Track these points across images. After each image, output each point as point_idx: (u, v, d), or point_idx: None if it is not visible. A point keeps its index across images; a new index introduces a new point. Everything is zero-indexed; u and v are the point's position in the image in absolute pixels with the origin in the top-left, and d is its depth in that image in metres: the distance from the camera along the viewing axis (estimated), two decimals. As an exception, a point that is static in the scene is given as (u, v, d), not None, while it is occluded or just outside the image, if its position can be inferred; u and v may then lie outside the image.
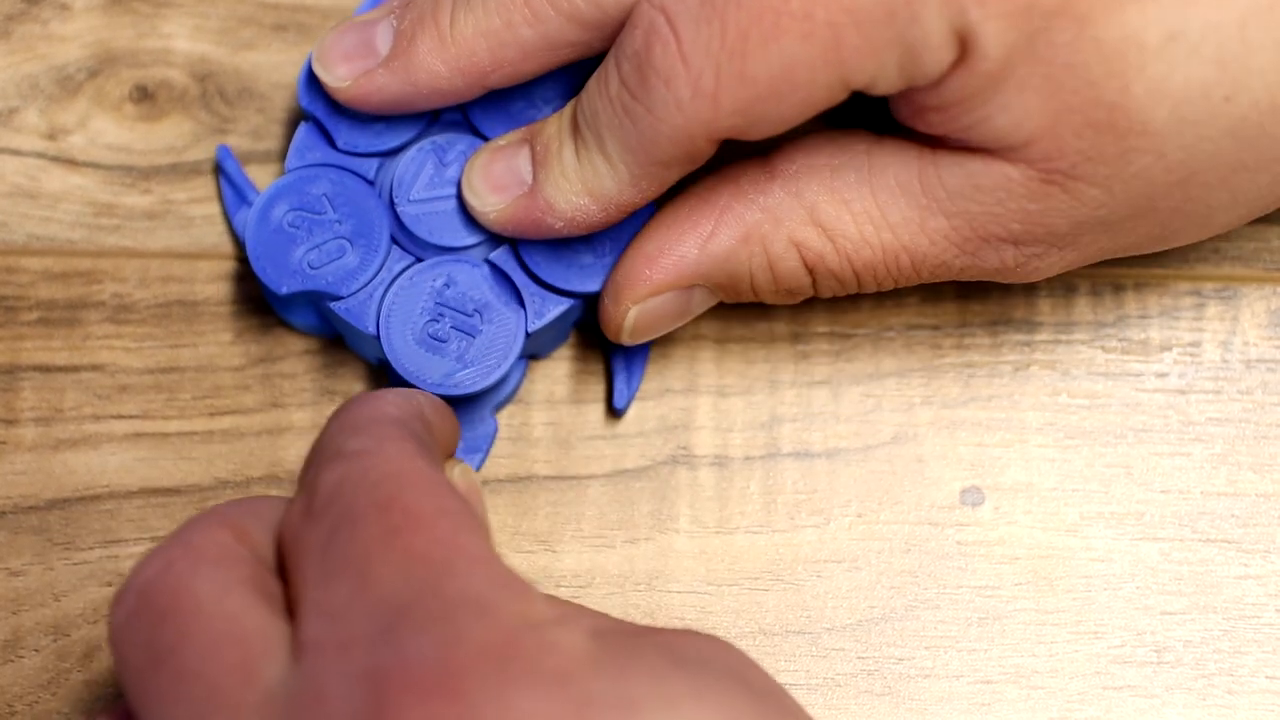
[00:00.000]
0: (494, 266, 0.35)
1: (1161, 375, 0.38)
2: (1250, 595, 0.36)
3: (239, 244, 0.38)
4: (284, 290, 0.35)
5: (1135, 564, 0.37)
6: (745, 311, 0.38)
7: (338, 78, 0.35)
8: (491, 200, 0.34)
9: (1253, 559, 0.37)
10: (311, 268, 0.35)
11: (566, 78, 0.36)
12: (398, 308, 0.35)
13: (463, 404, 0.36)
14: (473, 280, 0.35)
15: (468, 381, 0.35)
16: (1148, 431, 0.37)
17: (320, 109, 0.36)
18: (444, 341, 0.35)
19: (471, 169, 0.35)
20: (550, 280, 0.35)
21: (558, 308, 0.35)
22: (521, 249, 0.35)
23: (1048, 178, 0.31)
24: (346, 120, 0.36)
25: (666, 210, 0.34)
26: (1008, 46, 0.30)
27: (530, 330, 0.35)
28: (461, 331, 0.35)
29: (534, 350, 0.37)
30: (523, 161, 0.34)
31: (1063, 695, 0.36)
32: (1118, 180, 0.31)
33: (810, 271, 0.34)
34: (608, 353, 0.37)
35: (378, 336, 0.35)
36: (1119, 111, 0.30)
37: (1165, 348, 0.38)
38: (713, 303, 0.35)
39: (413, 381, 0.35)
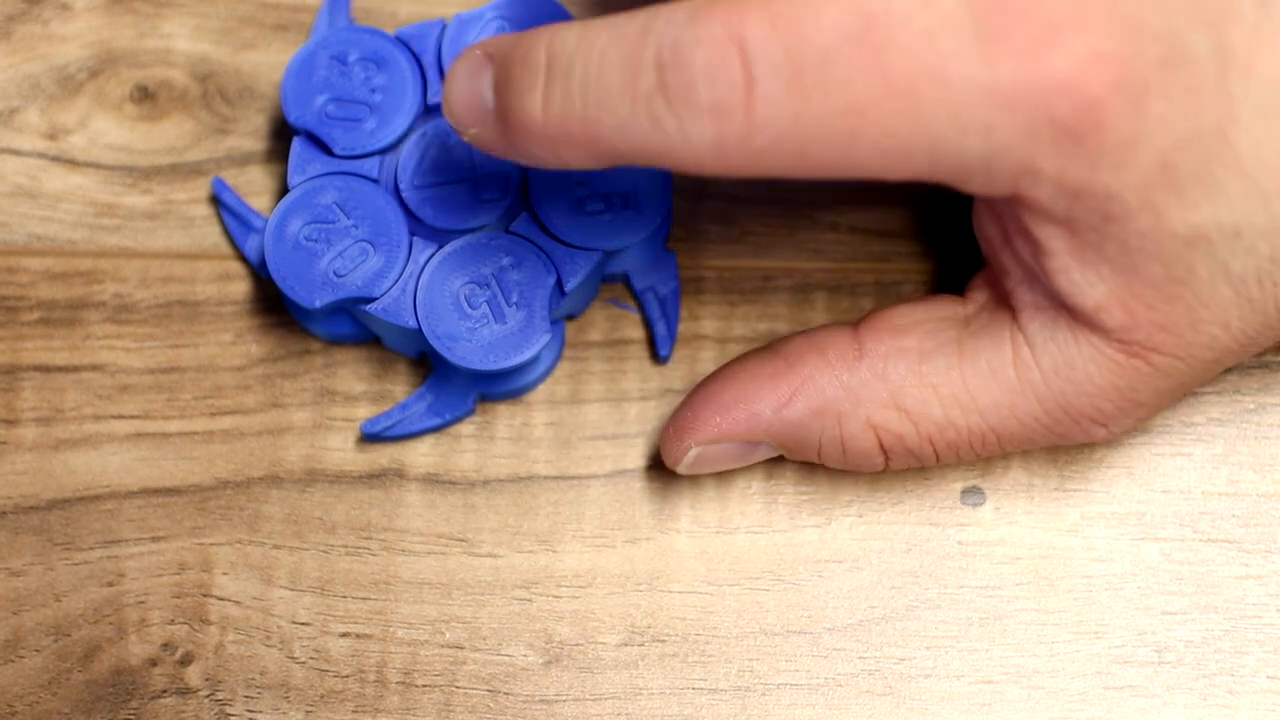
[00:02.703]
0: (517, 236, 0.36)
1: (1162, 375, 0.38)
2: (1251, 595, 0.36)
3: (245, 260, 0.38)
4: (318, 304, 0.35)
5: (1136, 564, 0.37)
6: (746, 311, 0.38)
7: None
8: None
9: (1254, 559, 0.37)
10: (338, 276, 0.35)
11: None
12: (431, 296, 0.35)
13: (510, 373, 0.36)
14: (495, 254, 0.35)
15: (516, 352, 0.35)
16: (1149, 431, 0.37)
17: (310, 120, 0.36)
18: (484, 317, 0.35)
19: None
20: (575, 241, 0.35)
21: (588, 263, 0.35)
22: (540, 215, 0.35)
23: (1128, 349, 0.31)
24: (339, 126, 0.36)
25: (750, 360, 0.34)
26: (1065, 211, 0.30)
27: (568, 289, 0.35)
28: (500, 304, 0.35)
29: (569, 310, 0.37)
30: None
31: (1064, 695, 0.36)
32: (1193, 350, 0.31)
33: (885, 452, 0.34)
34: (643, 307, 0.37)
35: (419, 330, 0.35)
36: (1186, 286, 0.30)
37: (1166, 348, 0.38)
38: (775, 455, 0.35)
39: (464, 364, 0.35)
